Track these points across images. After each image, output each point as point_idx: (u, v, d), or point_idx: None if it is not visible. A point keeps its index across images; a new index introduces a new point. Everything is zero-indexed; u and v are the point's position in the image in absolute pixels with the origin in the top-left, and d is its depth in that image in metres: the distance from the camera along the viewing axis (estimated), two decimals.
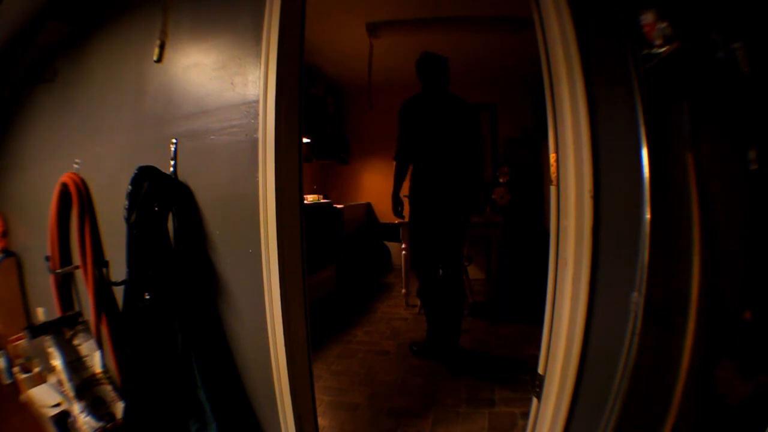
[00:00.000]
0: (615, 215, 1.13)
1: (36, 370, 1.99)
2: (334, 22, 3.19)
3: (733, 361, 1.14)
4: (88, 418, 1.57)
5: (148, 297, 1.38)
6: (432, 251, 2.47)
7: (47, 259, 1.87)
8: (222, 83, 1.44)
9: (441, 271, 2.49)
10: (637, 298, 1.08)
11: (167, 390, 1.39)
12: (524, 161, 4.07)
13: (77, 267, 1.76)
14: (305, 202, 1.52)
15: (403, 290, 3.68)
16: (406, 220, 2.56)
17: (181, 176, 1.48)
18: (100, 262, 1.71)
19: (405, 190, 2.50)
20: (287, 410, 1.38)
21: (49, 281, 1.90)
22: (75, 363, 1.66)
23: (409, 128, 2.40)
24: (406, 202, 2.53)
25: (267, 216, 1.33)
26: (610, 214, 1.13)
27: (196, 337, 1.40)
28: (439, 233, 2.43)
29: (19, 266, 2.28)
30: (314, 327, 1.51)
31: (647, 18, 1.06)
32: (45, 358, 1.77)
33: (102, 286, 1.68)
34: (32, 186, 2.14)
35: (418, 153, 2.38)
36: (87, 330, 1.73)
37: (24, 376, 1.97)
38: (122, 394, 1.62)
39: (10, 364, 2.08)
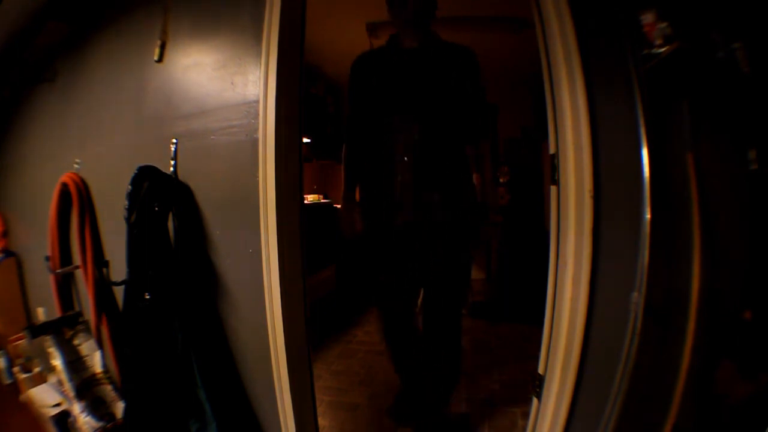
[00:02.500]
0: (615, 215, 1.13)
1: (36, 370, 1.99)
2: (334, 22, 3.19)
3: (733, 361, 1.14)
4: (88, 418, 1.57)
5: (148, 297, 1.38)
6: (404, 282, 1.69)
7: (47, 259, 1.87)
8: (222, 83, 1.44)
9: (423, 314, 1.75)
10: (637, 298, 1.08)
11: (167, 390, 1.39)
12: (524, 161, 4.06)
13: (77, 267, 1.76)
14: (305, 202, 1.53)
15: None
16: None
17: (182, 176, 1.48)
18: (100, 262, 1.71)
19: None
20: (287, 410, 1.38)
21: (49, 281, 1.90)
22: (75, 363, 1.66)
23: (360, 99, 1.63)
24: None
25: (267, 216, 1.33)
26: (610, 214, 1.13)
27: (196, 337, 1.40)
28: (413, 257, 1.63)
29: (20, 266, 2.28)
30: (314, 327, 1.51)
31: (647, 18, 1.06)
32: (45, 358, 1.77)
33: (102, 286, 1.68)
34: (32, 186, 2.14)
35: (374, 134, 1.57)
36: (87, 330, 1.73)
37: (24, 376, 1.97)
38: (122, 394, 1.62)
39: (11, 364, 2.08)
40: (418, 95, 1.50)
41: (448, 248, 1.54)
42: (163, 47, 1.56)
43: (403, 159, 1.49)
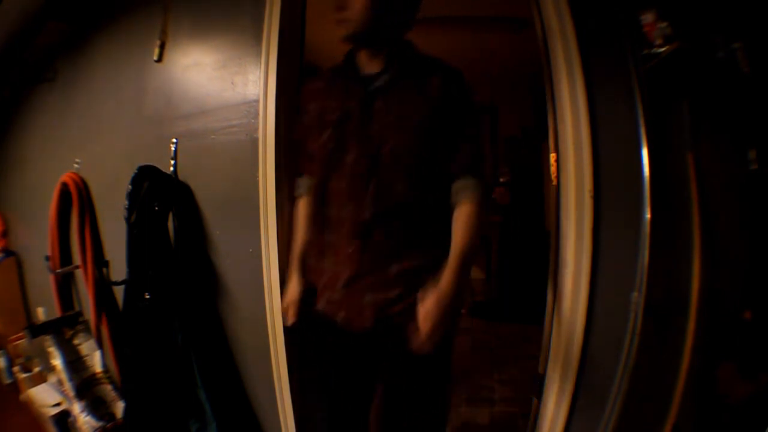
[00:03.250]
0: (615, 215, 1.13)
1: (36, 369, 1.99)
2: (335, 22, 3.19)
3: (733, 361, 1.14)
4: (88, 418, 1.57)
5: (148, 297, 1.38)
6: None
7: (47, 258, 1.87)
8: (222, 83, 1.44)
9: None
10: (637, 298, 1.08)
11: (167, 390, 1.39)
12: (524, 161, 4.06)
13: (77, 267, 1.76)
14: None
15: None
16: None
17: (182, 176, 1.48)
18: (100, 261, 1.71)
19: None
20: (287, 410, 1.38)
21: (50, 281, 1.90)
22: (75, 363, 1.66)
23: (305, 149, 1.11)
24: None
25: (267, 215, 1.33)
26: (610, 214, 1.13)
27: (196, 337, 1.40)
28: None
29: (20, 266, 2.29)
30: None
31: (647, 18, 1.06)
32: (45, 358, 1.77)
33: (102, 286, 1.68)
34: (32, 186, 2.14)
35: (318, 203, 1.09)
36: (87, 330, 1.73)
37: (24, 375, 1.97)
38: (122, 394, 1.62)
39: (11, 364, 2.08)
40: (372, 146, 0.98)
41: (414, 369, 1.01)
42: (162, 47, 1.56)
43: (349, 244, 0.99)
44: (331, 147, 1.01)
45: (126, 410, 1.45)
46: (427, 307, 0.90)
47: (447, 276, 0.93)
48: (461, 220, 0.98)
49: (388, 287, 0.97)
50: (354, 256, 0.99)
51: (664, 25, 1.03)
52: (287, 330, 1.29)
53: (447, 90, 0.99)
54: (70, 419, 1.64)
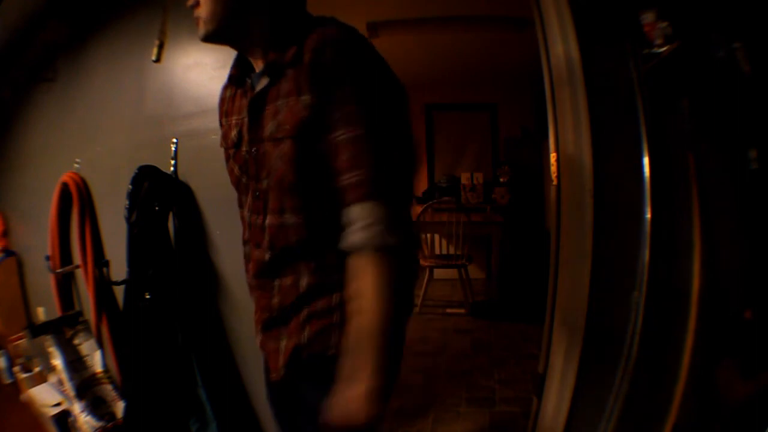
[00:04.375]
0: (615, 215, 1.13)
1: (36, 369, 1.99)
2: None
3: (733, 361, 1.14)
4: (88, 418, 1.57)
5: (148, 297, 1.38)
6: None
7: (48, 258, 1.87)
8: (223, 82, 1.44)
9: None
10: (637, 298, 1.08)
11: (167, 390, 1.40)
12: (524, 161, 4.07)
13: (78, 266, 1.76)
14: None
15: None
16: None
17: (182, 176, 1.48)
18: (100, 261, 1.71)
19: None
20: None
21: (50, 281, 1.90)
22: (75, 362, 1.66)
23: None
24: None
25: None
26: (610, 214, 1.13)
27: (196, 336, 1.40)
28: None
29: (20, 266, 2.28)
30: None
31: (647, 18, 1.06)
32: (45, 358, 1.77)
33: (102, 286, 1.68)
34: (33, 186, 2.14)
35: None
36: (87, 329, 1.73)
37: (24, 375, 1.97)
38: (122, 394, 1.62)
39: (11, 364, 2.08)
40: (262, 172, 0.75)
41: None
42: (161, 47, 1.56)
43: (257, 287, 0.86)
44: (236, 176, 0.83)
45: (126, 410, 1.45)
46: (342, 411, 0.63)
47: (360, 373, 0.62)
48: (359, 284, 0.65)
49: (300, 331, 0.76)
50: (262, 301, 0.84)
51: (664, 25, 1.03)
52: None
53: (320, 66, 0.64)
54: (71, 419, 1.65)
